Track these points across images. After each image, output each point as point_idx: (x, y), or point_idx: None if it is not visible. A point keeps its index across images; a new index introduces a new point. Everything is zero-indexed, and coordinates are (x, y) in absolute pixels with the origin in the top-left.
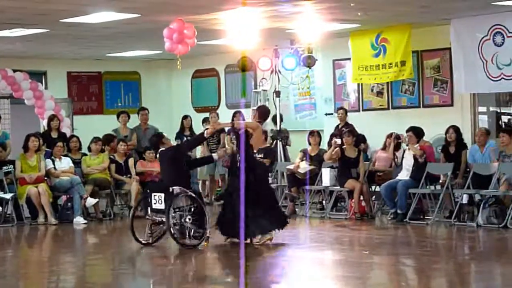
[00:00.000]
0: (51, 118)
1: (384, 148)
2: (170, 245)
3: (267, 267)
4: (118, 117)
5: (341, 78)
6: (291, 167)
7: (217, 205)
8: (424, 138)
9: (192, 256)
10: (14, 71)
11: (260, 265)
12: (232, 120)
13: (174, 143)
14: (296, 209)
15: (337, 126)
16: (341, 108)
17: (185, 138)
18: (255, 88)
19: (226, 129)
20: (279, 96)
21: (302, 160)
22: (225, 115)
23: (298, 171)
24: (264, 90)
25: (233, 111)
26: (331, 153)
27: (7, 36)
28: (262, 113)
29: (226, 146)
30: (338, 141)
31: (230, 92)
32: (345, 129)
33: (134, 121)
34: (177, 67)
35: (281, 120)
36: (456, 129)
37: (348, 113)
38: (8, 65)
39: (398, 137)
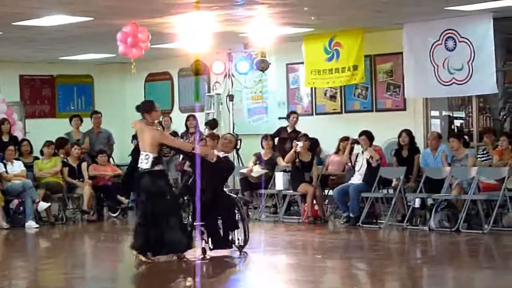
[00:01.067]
0: (2, 122)
1: (337, 152)
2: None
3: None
4: (70, 120)
5: (294, 82)
6: (244, 171)
7: None
8: (377, 142)
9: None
10: None
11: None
12: (186, 123)
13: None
14: (250, 213)
15: (284, 128)
16: (294, 112)
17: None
18: (209, 91)
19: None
20: (232, 100)
21: (255, 164)
22: (178, 119)
23: (251, 175)
24: (217, 94)
25: (186, 114)
26: (291, 156)
27: None
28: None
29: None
30: (300, 144)
31: (183, 96)
32: (301, 133)
33: (87, 124)
34: (131, 70)
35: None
36: (408, 133)
37: (301, 117)
38: None
39: (356, 141)
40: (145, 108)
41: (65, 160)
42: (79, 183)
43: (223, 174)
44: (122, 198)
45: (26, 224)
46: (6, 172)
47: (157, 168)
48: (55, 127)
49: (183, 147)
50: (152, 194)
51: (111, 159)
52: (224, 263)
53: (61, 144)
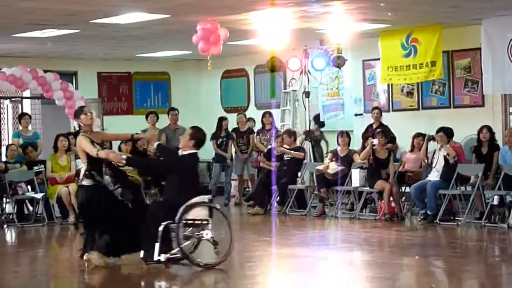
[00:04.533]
0: None
1: (412, 149)
2: None
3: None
4: (147, 117)
5: (371, 79)
6: (320, 167)
7: (246, 205)
8: (455, 139)
9: None
10: (45, 71)
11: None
12: (262, 119)
13: (211, 142)
14: (326, 210)
15: (370, 126)
16: (376, 108)
17: (220, 140)
18: (285, 88)
19: (255, 129)
20: (308, 97)
21: (331, 161)
22: (254, 116)
23: (327, 171)
24: (293, 91)
25: (262, 111)
26: (367, 153)
27: (38, 36)
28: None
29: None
30: (375, 141)
31: (259, 93)
32: (378, 130)
33: (163, 121)
34: (207, 67)
35: (318, 121)
36: (489, 129)
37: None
38: (39, 66)
39: (432, 138)
40: (75, 114)
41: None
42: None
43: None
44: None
45: None
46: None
47: (85, 183)
48: (132, 124)
49: (91, 152)
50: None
51: None
52: (296, 260)
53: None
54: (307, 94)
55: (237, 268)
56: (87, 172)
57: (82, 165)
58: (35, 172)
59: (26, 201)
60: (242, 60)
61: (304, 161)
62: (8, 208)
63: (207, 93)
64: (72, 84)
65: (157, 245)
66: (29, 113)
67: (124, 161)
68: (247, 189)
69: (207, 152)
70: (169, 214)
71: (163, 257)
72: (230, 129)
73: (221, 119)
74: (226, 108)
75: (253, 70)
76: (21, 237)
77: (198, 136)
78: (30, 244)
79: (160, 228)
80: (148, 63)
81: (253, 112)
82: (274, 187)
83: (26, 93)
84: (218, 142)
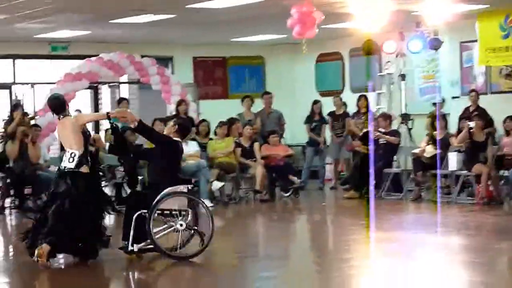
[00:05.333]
0: (179, 103)
1: (507, 133)
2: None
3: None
4: (242, 101)
5: (468, 61)
6: (417, 151)
7: (341, 189)
8: None
9: None
10: (142, 56)
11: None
12: (357, 103)
13: (305, 126)
14: (422, 194)
15: (467, 108)
16: (473, 90)
17: (314, 124)
18: (380, 71)
19: (351, 112)
20: (404, 80)
21: (428, 144)
22: (349, 99)
23: (424, 155)
24: (389, 74)
25: (357, 95)
26: (464, 136)
27: (135, 22)
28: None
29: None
30: (472, 124)
31: (354, 76)
32: (475, 113)
33: (258, 105)
34: (301, 51)
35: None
36: None
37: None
38: (136, 51)
39: None
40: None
41: (237, 140)
42: (252, 163)
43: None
44: (294, 178)
45: None
46: None
47: (83, 170)
48: (227, 108)
49: (99, 117)
50: (71, 198)
51: (282, 139)
52: (392, 243)
53: (230, 124)
54: (402, 77)
55: (333, 252)
56: (83, 158)
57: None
58: None
59: (124, 185)
60: (337, 44)
61: (400, 145)
62: (107, 192)
63: (302, 77)
64: (169, 69)
65: (131, 235)
66: (127, 98)
67: (136, 123)
68: (342, 173)
69: (301, 136)
70: (147, 203)
71: (136, 247)
72: (324, 112)
73: (315, 103)
74: (321, 92)
75: (348, 53)
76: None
77: (183, 125)
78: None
79: (133, 217)
80: (242, 47)
81: (348, 96)
82: (371, 171)
83: (124, 78)
84: (312, 126)
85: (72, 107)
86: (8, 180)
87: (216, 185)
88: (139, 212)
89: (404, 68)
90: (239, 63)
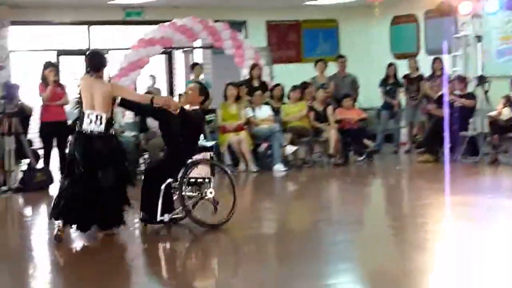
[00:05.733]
0: (252, 67)
1: None
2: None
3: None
4: (315, 65)
5: None
6: (493, 114)
7: (416, 153)
8: None
9: None
10: (215, 21)
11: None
12: (432, 65)
13: (380, 89)
14: (499, 157)
15: None
16: None
17: (388, 87)
18: (456, 33)
19: (426, 75)
20: (480, 41)
21: (504, 107)
22: (424, 62)
23: (500, 118)
24: (465, 35)
25: (432, 57)
26: None
27: None
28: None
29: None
30: None
31: (430, 38)
32: None
33: (332, 69)
34: (375, 14)
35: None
36: None
37: None
38: (209, 16)
39: None
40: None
41: (310, 104)
42: (325, 127)
43: (190, 130)
44: (368, 142)
45: (274, 167)
46: (254, 116)
47: (111, 132)
48: (301, 72)
49: (142, 99)
50: (104, 163)
51: (356, 103)
52: (468, 208)
53: (303, 88)
54: (479, 38)
55: (408, 216)
56: (113, 122)
57: (251, 112)
58: (207, 121)
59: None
60: (411, 6)
61: (476, 108)
62: None
63: (376, 40)
64: (242, 33)
65: (159, 205)
66: (201, 62)
67: (178, 110)
68: (417, 136)
69: (376, 99)
70: (170, 172)
71: (166, 217)
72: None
73: (389, 66)
74: (396, 54)
75: (423, 15)
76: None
77: (206, 92)
78: None
79: (162, 187)
80: (316, 10)
81: (424, 58)
82: (446, 134)
83: (198, 43)
84: (387, 89)
85: (146, 72)
86: None
87: (290, 149)
88: (168, 181)
89: (480, 30)
90: (313, 27)
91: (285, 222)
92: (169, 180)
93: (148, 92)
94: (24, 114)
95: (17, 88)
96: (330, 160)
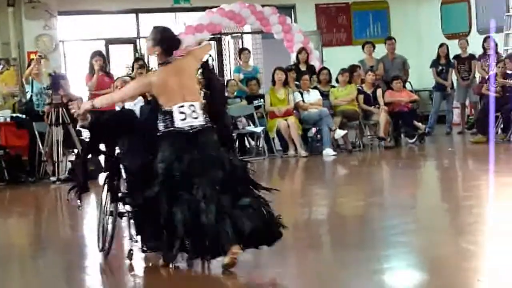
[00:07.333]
0: (299, 51)
1: None
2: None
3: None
4: (363, 48)
5: None
6: None
7: (469, 133)
8: None
9: None
10: (263, 6)
11: None
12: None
13: (431, 70)
14: None
15: None
16: None
17: (440, 67)
18: (508, 12)
19: (477, 55)
20: None
21: None
22: (475, 41)
23: None
24: None
25: (483, 36)
26: None
27: None
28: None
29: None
30: None
31: (481, 17)
32: None
33: (382, 51)
34: None
35: None
36: None
37: None
38: (257, 1)
39: None
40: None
41: (359, 87)
42: (375, 109)
43: None
44: (419, 124)
45: (324, 151)
46: (303, 101)
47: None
48: (351, 55)
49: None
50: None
51: (407, 85)
52: None
53: (351, 71)
54: None
55: (460, 198)
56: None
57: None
58: (255, 106)
59: (247, 135)
60: None
61: None
62: None
63: (427, 20)
64: (291, 17)
65: None
66: (251, 48)
67: None
68: (470, 117)
69: (427, 80)
70: None
71: None
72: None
73: (440, 46)
74: (447, 35)
75: None
76: None
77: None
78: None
79: None
80: None
81: (475, 37)
82: (495, 114)
83: (247, 29)
84: (438, 70)
85: None
86: None
87: (339, 133)
88: None
89: None
90: (363, 8)
91: (336, 207)
92: None
93: None
94: None
95: (64, 78)
96: (381, 143)
